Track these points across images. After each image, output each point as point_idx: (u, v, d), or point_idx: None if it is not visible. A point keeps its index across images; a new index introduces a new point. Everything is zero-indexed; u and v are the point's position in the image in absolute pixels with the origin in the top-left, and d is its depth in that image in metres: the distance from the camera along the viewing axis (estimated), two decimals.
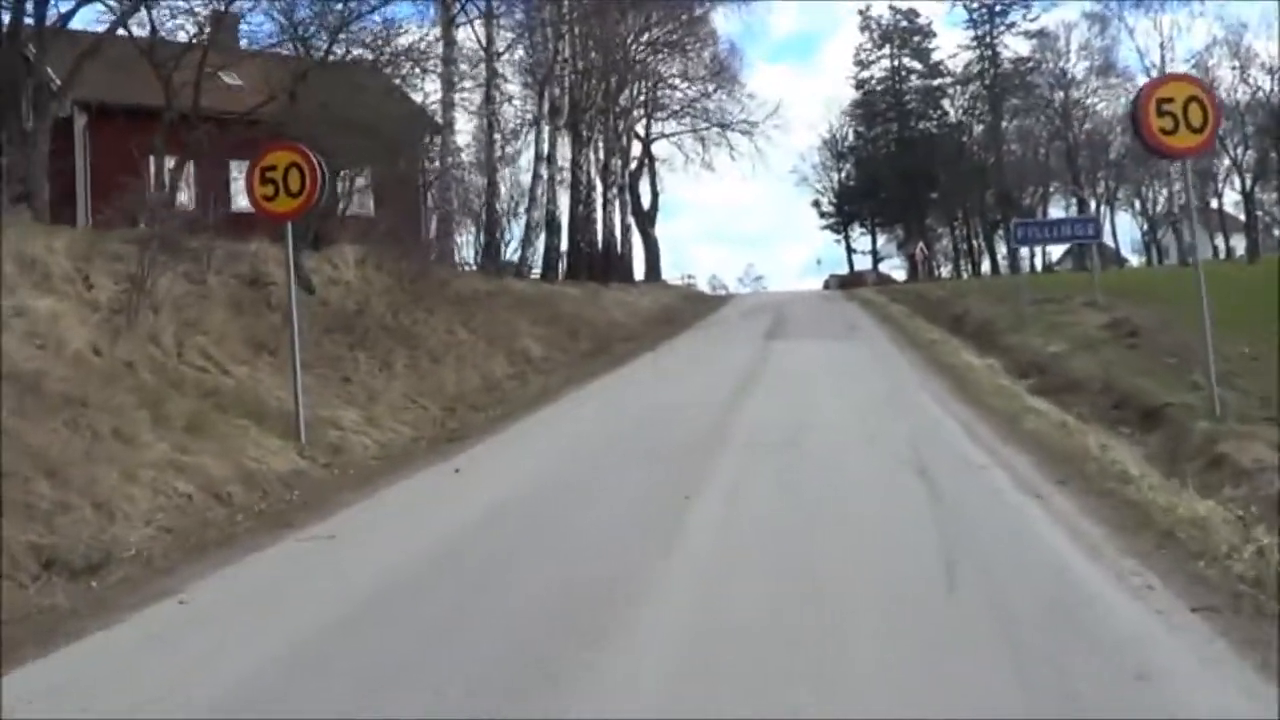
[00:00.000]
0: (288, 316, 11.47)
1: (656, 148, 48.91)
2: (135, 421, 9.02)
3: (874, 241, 69.87)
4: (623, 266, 40.52)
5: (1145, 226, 63.61)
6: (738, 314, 32.26)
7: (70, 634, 5.45)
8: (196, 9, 18.59)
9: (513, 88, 36.47)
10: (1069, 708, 4.01)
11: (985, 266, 63.15)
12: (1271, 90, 52.09)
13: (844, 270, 65.43)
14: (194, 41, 18.55)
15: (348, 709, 4.28)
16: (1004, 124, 64.33)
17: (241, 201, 13.67)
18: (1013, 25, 64.08)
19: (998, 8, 64.05)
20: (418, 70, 22.36)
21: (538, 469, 9.74)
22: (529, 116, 33.45)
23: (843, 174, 70.38)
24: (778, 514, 7.43)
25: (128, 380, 10.08)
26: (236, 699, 4.45)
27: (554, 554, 6.58)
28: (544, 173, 32.22)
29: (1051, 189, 62.88)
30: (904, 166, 64.24)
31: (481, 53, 29.28)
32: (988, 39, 64.88)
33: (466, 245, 29.97)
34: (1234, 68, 53.40)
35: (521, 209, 32.55)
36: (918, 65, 68.47)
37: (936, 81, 68.09)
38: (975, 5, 64.30)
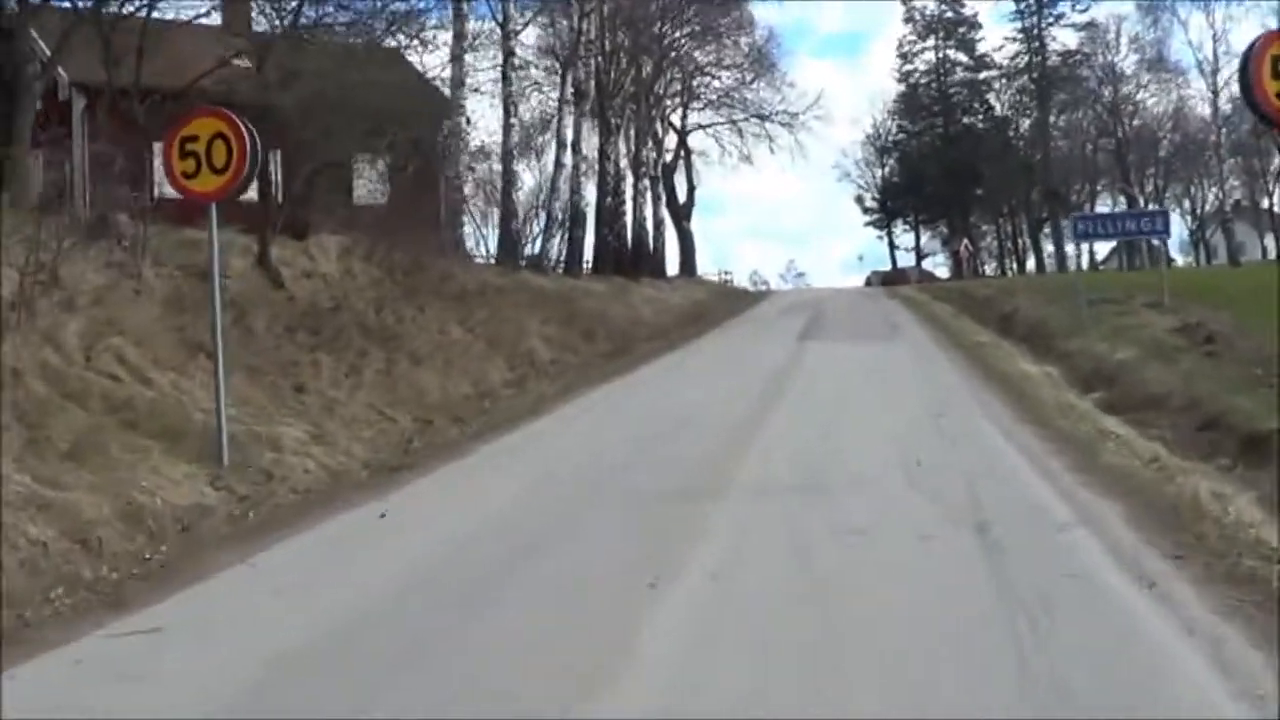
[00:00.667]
0: (239, 315, 9.65)
1: (692, 139, 47.43)
2: None
3: (917, 238, 68.40)
4: (654, 261, 38.86)
5: (1194, 225, 60.87)
6: (775, 311, 31.00)
7: None
8: None
9: (538, 73, 34.78)
10: None
11: (1030, 264, 61.63)
12: None
13: (886, 267, 64.04)
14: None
15: None
16: (1051, 119, 61.89)
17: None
18: (1061, 17, 61.76)
19: None
20: (416, 42, 20.29)
21: (470, 527, 7.35)
22: (552, 103, 31.62)
23: (886, 170, 68.66)
24: (780, 616, 5.15)
25: (6, 393, 8.29)
26: None
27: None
28: (567, 161, 30.15)
29: (1099, 186, 60.59)
30: (948, 162, 62.31)
31: (498, 30, 27.32)
32: (1035, 31, 62.51)
33: (490, 237, 28.33)
34: None
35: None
36: (963, 58, 66.24)
37: (982, 75, 65.89)
38: None
